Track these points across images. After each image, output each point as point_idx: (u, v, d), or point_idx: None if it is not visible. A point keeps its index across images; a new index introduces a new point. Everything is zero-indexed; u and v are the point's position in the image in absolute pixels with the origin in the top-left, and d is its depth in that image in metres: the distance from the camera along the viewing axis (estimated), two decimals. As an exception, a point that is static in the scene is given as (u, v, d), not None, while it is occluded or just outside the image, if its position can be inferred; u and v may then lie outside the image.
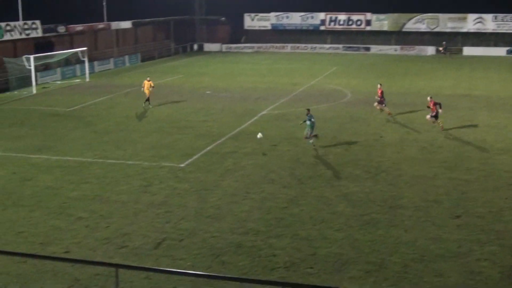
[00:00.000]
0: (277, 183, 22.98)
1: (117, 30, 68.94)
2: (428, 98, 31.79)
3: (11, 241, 17.71)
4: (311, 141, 28.03)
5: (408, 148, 28.11)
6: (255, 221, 19.06)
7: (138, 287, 14.75)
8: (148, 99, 37.93)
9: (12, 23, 50.33)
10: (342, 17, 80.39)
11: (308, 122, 27.82)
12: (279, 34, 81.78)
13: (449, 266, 15.98)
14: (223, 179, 23.44)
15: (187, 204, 20.67)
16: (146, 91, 37.95)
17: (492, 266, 16.01)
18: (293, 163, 25.59)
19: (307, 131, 27.99)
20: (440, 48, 73.14)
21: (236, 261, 16.28)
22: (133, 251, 16.93)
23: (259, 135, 28.51)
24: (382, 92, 34.55)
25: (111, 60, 63.38)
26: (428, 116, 31.52)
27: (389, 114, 34.67)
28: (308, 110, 28.59)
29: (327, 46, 79.39)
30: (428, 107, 31.27)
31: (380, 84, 35.29)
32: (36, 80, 47.47)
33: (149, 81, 38.53)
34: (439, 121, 31.31)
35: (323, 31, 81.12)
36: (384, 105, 34.73)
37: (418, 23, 78.31)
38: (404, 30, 78.70)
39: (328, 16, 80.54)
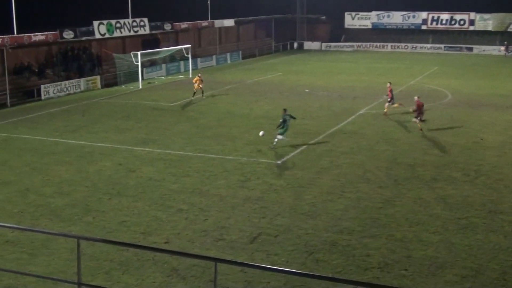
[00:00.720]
0: (373, 183, 22.95)
1: (220, 28, 70.32)
2: (415, 98, 31.34)
3: (114, 229, 18.61)
4: (275, 140, 27.67)
5: (511, 152, 27.30)
6: (350, 220, 19.15)
7: (234, 279, 15.19)
8: (194, 93, 40.70)
9: (121, 21, 52.34)
10: (444, 16, 78.52)
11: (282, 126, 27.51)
12: (379, 33, 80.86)
13: (549, 275, 15.53)
14: (319, 177, 23.63)
15: (282, 201, 21.01)
16: (197, 86, 40.55)
17: None
18: (390, 163, 25.44)
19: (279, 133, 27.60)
20: (502, 48, 70.62)
21: (330, 259, 16.45)
22: (230, 244, 17.42)
23: (261, 132, 28.26)
24: (391, 91, 34.72)
25: (214, 57, 64.78)
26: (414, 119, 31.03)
27: (385, 114, 34.85)
28: (285, 110, 28.28)
29: (428, 45, 77.77)
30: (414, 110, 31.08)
31: (390, 83, 35.46)
32: (142, 76, 49.28)
33: (200, 77, 41.26)
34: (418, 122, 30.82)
35: (424, 30, 79.54)
36: (391, 103, 34.69)
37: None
38: (510, 30, 75.86)
39: (430, 15, 78.87)
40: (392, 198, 21.25)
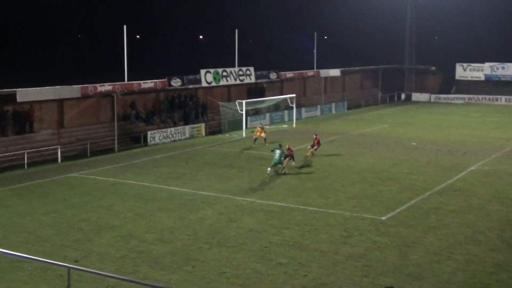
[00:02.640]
0: (484, 245, 21.62)
1: (325, 78, 70.22)
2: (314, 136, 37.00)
3: (213, 280, 18.37)
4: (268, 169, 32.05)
5: None
6: (459, 284, 18.02)
7: None
8: (255, 140, 42.26)
9: (228, 69, 53.29)
10: None
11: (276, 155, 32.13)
12: (493, 85, 78.06)
13: None
14: (425, 236, 22.55)
15: (386, 259, 20.12)
16: (258, 134, 42.05)
17: None
18: (502, 225, 23.98)
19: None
20: None
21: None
22: (330, 303, 16.74)
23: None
24: (318, 141, 37.68)
25: (318, 107, 64.57)
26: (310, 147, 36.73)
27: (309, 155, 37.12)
28: (280, 145, 33.62)
29: (546, 98, 74.23)
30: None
31: (316, 134, 38.59)
32: (246, 124, 49.70)
33: (261, 128, 42.79)
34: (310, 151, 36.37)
35: (542, 82, 76.09)
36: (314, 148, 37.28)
37: None
38: None
39: (549, 67, 75.44)
40: (505, 262, 19.87)
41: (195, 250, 21.00)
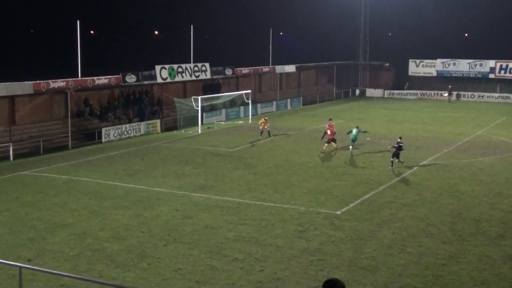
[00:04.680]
0: (436, 237, 22.04)
1: (281, 74, 70.55)
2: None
3: (169, 277, 18.31)
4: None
5: None
6: (411, 277, 18.33)
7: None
8: (261, 132, 43.86)
9: (183, 65, 53.07)
10: (514, 65, 76.78)
11: None
12: (445, 81, 79.57)
13: None
14: (379, 230, 22.88)
15: (341, 253, 20.35)
16: (263, 126, 43.85)
17: None
18: (454, 218, 24.47)
19: None
20: (445, 94, 72.63)
21: (390, 318, 15.69)
22: (285, 297, 16.86)
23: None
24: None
25: (274, 102, 64.84)
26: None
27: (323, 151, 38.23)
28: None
29: (496, 95, 75.90)
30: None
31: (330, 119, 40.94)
32: (202, 120, 49.58)
33: (266, 119, 44.62)
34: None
35: (492, 79, 77.80)
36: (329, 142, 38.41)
37: None
38: None
39: (499, 64, 77.17)
40: (456, 254, 20.30)
41: (150, 247, 20.89)
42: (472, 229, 23.05)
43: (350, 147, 38.22)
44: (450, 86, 74.31)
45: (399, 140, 34.21)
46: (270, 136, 43.73)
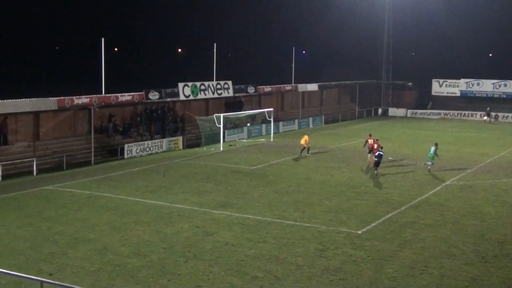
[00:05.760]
0: (459, 259, 21.78)
1: (303, 92, 70.59)
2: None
3: (189, 294, 18.30)
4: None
5: None
6: (433, 298, 18.13)
7: None
8: (303, 149, 44.34)
9: (206, 83, 53.33)
10: (538, 85, 76.07)
11: None
12: (468, 101, 79.04)
13: None
14: (401, 250, 22.68)
15: (362, 273, 20.19)
16: (304, 143, 44.31)
17: None
18: (477, 239, 24.17)
19: None
20: (484, 117, 71.64)
21: None
22: (305, 317, 16.73)
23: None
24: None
25: (296, 121, 64.82)
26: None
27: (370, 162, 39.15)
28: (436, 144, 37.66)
29: (521, 115, 75.19)
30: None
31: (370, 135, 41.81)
32: (224, 138, 49.69)
33: (308, 135, 45.39)
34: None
35: (516, 99, 77.11)
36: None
37: None
38: None
39: (524, 84, 76.54)
40: (479, 277, 20.03)
41: (171, 263, 20.91)
42: (495, 251, 22.75)
43: (429, 164, 38.60)
44: (488, 108, 72.80)
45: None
46: (308, 153, 44.41)
